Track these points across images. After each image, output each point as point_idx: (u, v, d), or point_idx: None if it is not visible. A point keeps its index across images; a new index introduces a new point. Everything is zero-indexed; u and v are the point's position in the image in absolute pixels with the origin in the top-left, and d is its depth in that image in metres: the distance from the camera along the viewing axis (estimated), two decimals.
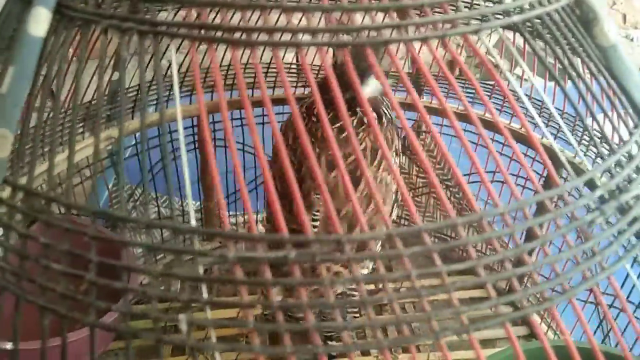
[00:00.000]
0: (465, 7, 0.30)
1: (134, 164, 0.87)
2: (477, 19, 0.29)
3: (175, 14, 0.52)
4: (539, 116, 0.67)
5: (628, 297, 0.66)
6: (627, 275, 0.36)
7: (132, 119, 0.80)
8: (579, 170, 0.61)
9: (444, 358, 0.24)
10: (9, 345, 0.53)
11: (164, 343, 0.25)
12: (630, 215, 0.30)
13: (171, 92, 0.78)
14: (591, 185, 0.30)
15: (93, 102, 0.73)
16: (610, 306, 0.69)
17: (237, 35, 0.26)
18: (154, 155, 0.85)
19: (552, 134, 0.72)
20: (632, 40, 1.72)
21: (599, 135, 0.36)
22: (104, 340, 0.65)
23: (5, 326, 0.29)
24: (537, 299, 0.60)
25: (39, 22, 0.29)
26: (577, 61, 0.36)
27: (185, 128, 0.90)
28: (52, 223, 0.28)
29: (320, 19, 0.27)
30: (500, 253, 0.26)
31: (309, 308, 0.25)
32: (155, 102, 0.81)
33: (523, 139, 0.70)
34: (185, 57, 0.81)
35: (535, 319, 0.80)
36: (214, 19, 0.27)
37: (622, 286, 0.60)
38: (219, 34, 0.26)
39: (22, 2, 0.31)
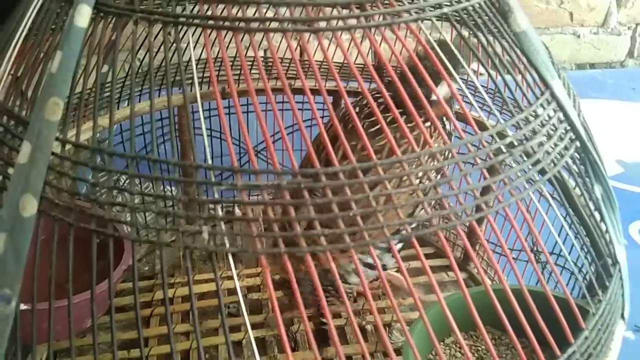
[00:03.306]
0: (408, 2, 0.40)
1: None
2: (417, 11, 0.39)
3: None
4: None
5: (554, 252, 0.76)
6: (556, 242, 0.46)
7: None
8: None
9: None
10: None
11: (189, 249, 0.34)
12: (535, 158, 0.40)
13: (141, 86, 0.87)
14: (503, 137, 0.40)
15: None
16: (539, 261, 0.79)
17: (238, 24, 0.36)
18: (138, 143, 0.92)
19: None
20: (579, 37, 1.79)
21: (515, 104, 0.46)
22: (102, 305, 0.71)
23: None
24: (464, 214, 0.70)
25: (82, 15, 0.37)
26: (498, 46, 0.46)
27: (165, 118, 0.99)
28: (97, 168, 0.37)
29: (301, 12, 0.36)
30: (433, 181, 0.35)
31: (296, 222, 0.34)
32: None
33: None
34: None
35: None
36: (222, 11, 0.36)
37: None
38: (224, 23, 0.36)
39: (65, 1, 0.39)
